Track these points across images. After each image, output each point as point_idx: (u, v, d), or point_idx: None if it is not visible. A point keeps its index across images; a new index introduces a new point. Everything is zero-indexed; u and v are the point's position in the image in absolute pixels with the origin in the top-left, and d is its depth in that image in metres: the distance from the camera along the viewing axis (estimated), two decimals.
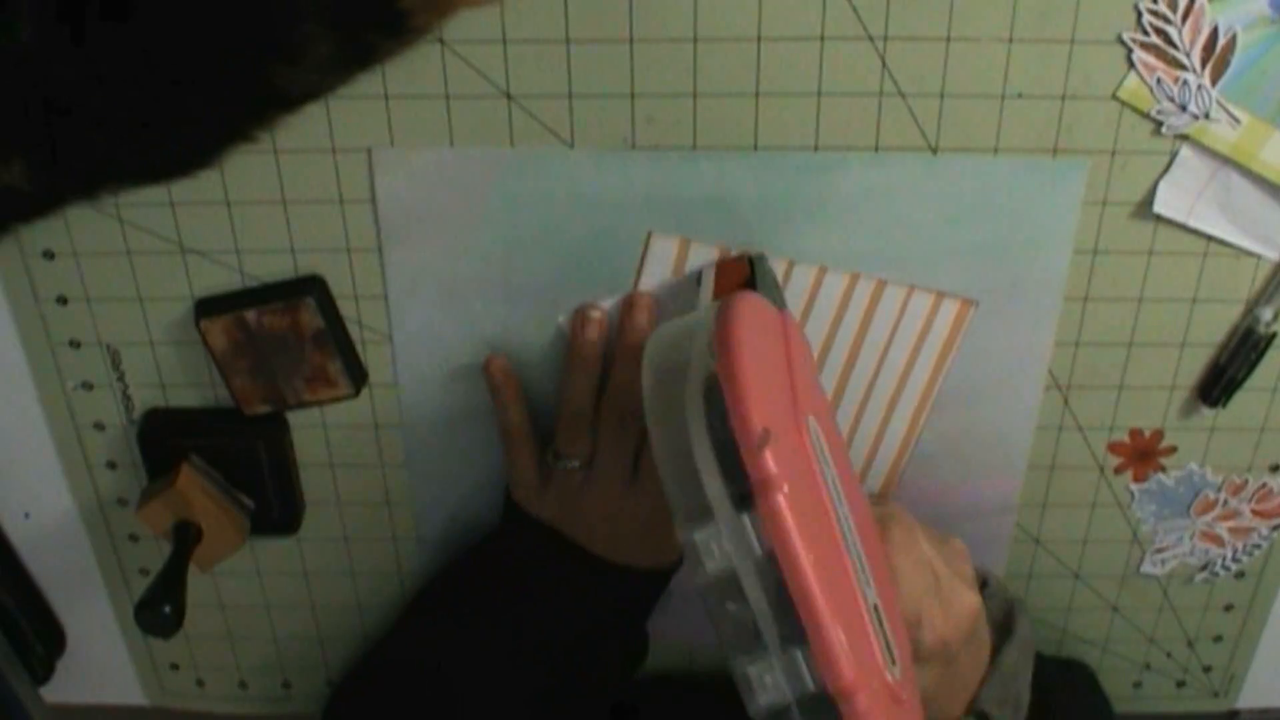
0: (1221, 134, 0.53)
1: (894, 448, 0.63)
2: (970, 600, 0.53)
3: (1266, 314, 0.58)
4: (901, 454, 0.64)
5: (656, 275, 0.58)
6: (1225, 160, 0.53)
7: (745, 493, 0.40)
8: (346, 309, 0.59)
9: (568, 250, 0.57)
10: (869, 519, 0.51)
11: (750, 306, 0.45)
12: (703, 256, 0.57)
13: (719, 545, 0.41)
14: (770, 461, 0.39)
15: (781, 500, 0.39)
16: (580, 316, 0.58)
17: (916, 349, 0.60)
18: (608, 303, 0.58)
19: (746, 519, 0.40)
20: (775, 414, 0.42)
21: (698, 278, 0.57)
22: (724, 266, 0.56)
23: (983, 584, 0.59)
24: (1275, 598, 0.69)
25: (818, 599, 0.39)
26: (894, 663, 0.44)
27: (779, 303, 0.55)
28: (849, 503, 0.47)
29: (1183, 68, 0.51)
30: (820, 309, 0.59)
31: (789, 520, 0.39)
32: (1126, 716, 0.73)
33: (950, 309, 0.58)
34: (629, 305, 0.58)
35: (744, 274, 0.55)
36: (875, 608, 0.44)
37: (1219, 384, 0.60)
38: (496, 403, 0.61)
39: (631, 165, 0.55)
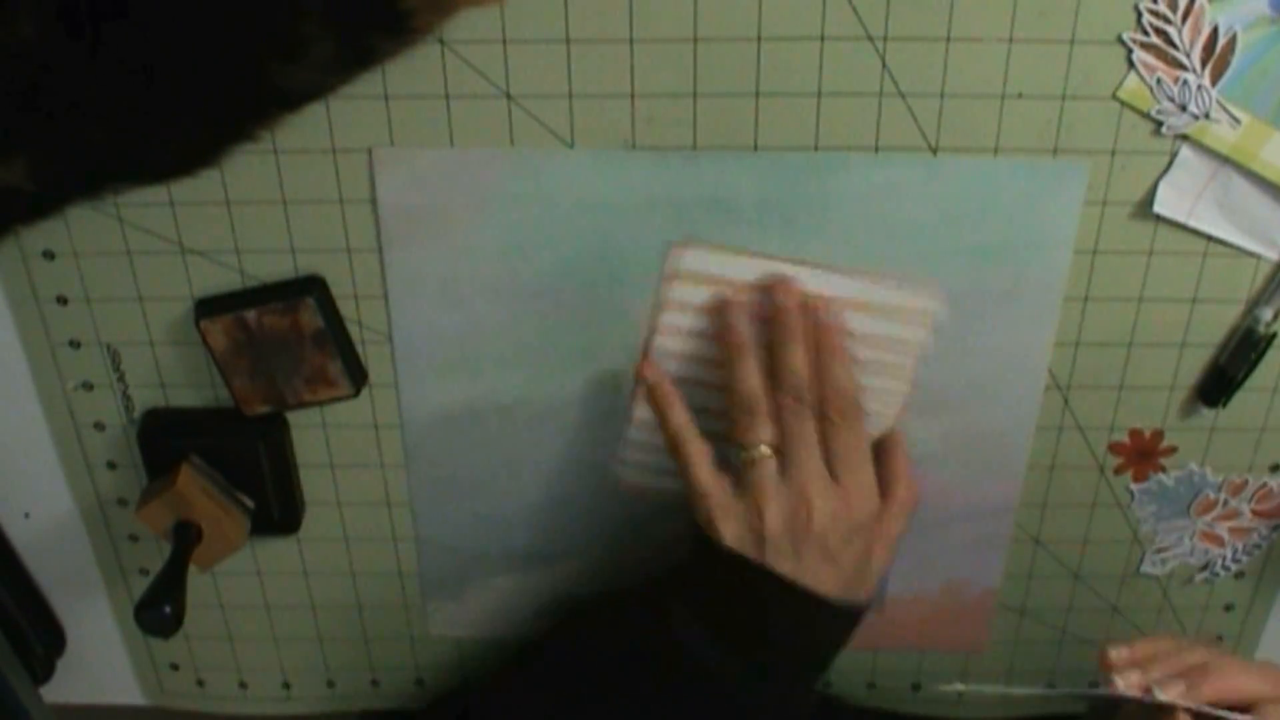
0: (1221, 134, 0.53)
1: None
2: None
3: (1266, 314, 0.58)
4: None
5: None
6: (1225, 160, 0.53)
7: None
8: (346, 309, 0.59)
9: (568, 250, 0.57)
10: None
11: None
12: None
13: None
14: None
15: None
16: (727, 304, 0.55)
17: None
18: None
19: None
20: None
21: None
22: None
23: None
24: (1275, 598, 0.69)
25: None
26: None
27: None
28: None
29: (1183, 68, 0.51)
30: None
31: None
32: None
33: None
34: (777, 284, 0.55)
35: None
36: None
37: (1219, 384, 0.60)
38: (659, 408, 0.57)
39: (631, 165, 0.55)
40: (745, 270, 0.57)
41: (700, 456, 0.56)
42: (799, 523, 0.53)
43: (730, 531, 0.54)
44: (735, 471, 0.55)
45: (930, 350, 0.59)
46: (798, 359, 0.54)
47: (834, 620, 0.56)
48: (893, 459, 0.58)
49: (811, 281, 0.57)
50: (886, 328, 0.58)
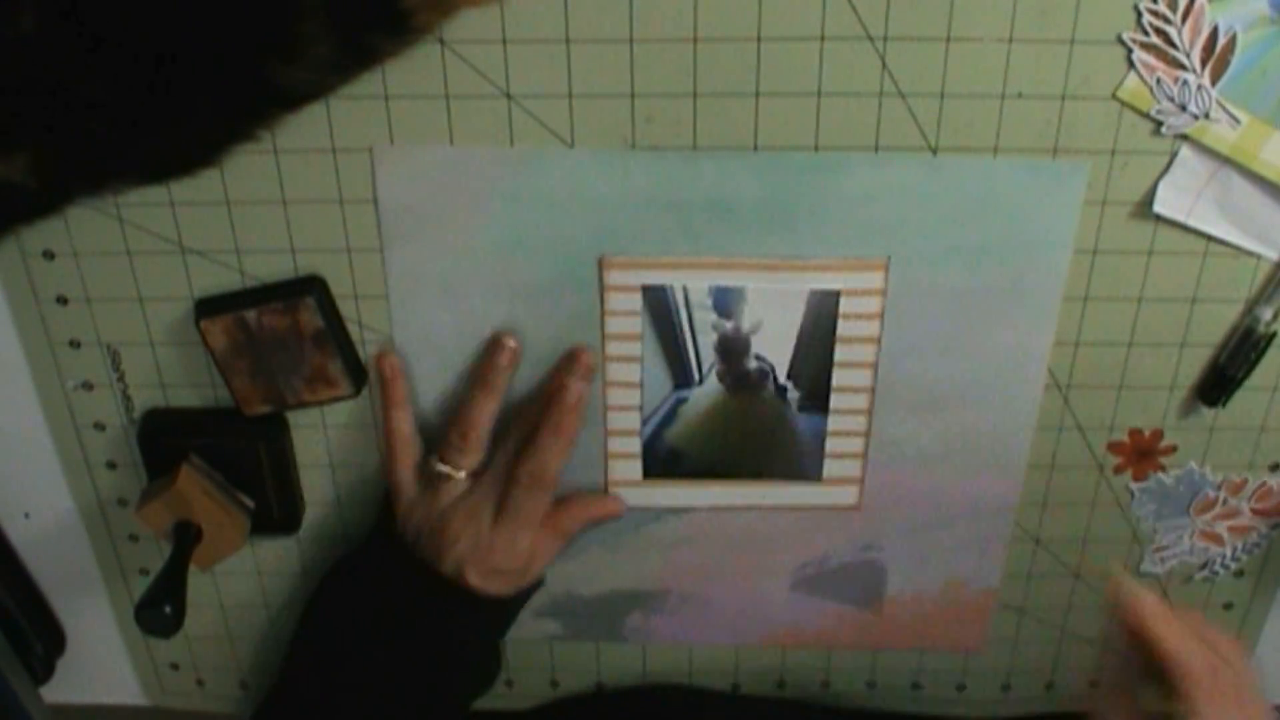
0: (1221, 134, 0.53)
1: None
2: None
3: (1266, 314, 0.58)
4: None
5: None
6: (1225, 160, 0.54)
7: None
8: (346, 309, 0.59)
9: (568, 250, 0.57)
10: None
11: None
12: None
13: None
14: None
15: None
16: (497, 342, 0.59)
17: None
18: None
19: None
20: None
21: None
22: None
23: None
24: (1274, 597, 0.69)
25: None
26: None
27: None
28: None
29: (1183, 68, 0.51)
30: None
31: None
32: None
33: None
34: (570, 358, 0.59)
35: None
36: None
37: (1219, 384, 0.60)
38: (383, 402, 0.61)
39: (631, 165, 0.55)
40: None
41: (406, 451, 0.62)
42: (446, 540, 0.60)
43: (403, 524, 0.62)
44: (427, 475, 0.61)
45: None
46: (527, 417, 0.60)
47: (473, 607, 0.62)
48: (590, 506, 0.64)
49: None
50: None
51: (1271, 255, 0.57)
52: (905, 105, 0.53)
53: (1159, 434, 0.63)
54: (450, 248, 0.58)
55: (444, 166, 0.55)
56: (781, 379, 0.61)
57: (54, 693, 0.74)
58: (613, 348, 0.60)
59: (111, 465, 0.65)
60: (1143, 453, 0.64)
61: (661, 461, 0.64)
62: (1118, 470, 0.64)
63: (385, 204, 0.56)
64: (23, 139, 0.48)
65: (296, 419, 0.63)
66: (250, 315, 0.58)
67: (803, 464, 0.64)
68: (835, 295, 0.58)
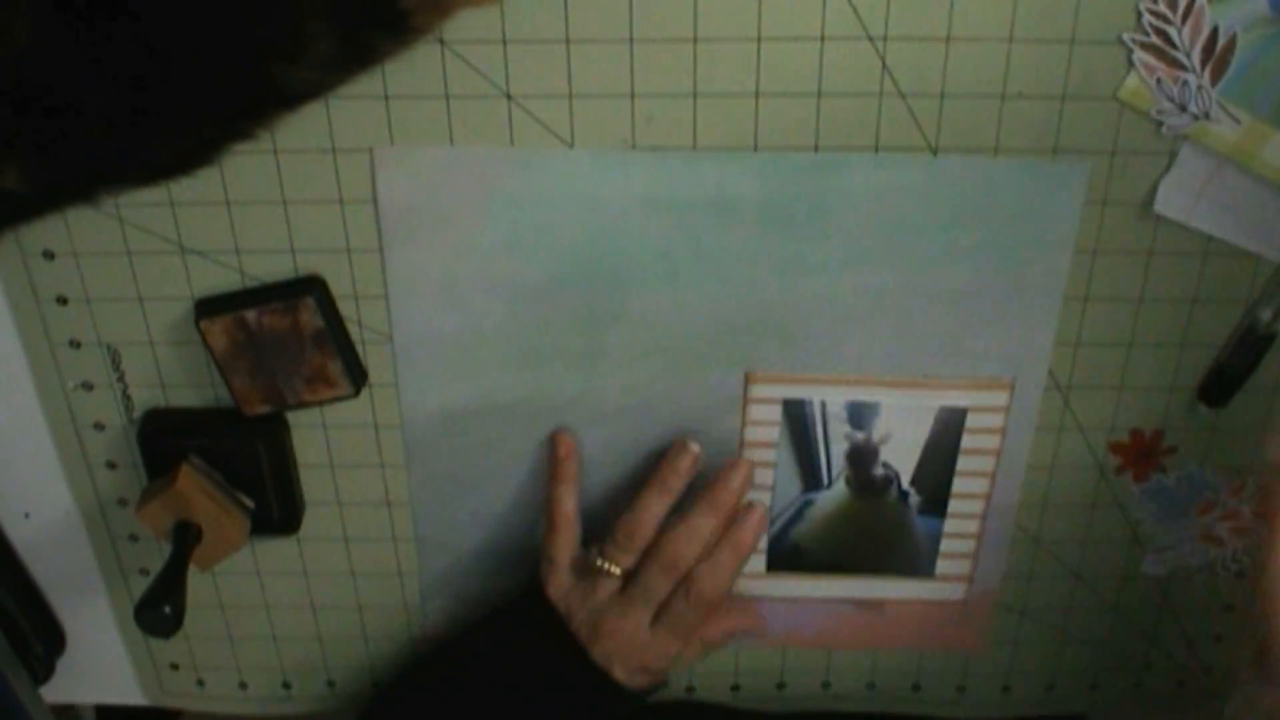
0: (1222, 134, 0.53)
1: None
2: None
3: (1266, 314, 0.58)
4: None
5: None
6: (1225, 160, 0.53)
7: None
8: (346, 309, 0.59)
9: (568, 250, 0.57)
10: None
11: None
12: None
13: None
14: None
15: None
16: (680, 445, 0.60)
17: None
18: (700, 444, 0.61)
19: None
20: None
21: None
22: None
23: None
24: None
25: None
26: None
27: None
28: None
29: (1183, 68, 0.51)
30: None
31: None
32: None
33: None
34: (731, 466, 0.60)
35: None
36: None
37: (1220, 384, 0.60)
38: (552, 480, 0.62)
39: (631, 165, 0.55)
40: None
41: (568, 531, 0.62)
42: (603, 633, 0.61)
43: (555, 599, 0.62)
44: (583, 562, 0.62)
45: None
46: (701, 523, 0.60)
47: (615, 697, 0.62)
48: (730, 618, 0.65)
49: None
50: None
51: (1272, 255, 0.56)
52: (905, 105, 0.53)
53: (1160, 434, 0.63)
54: (450, 248, 0.58)
55: (444, 166, 0.55)
56: (905, 485, 0.64)
57: (54, 693, 0.74)
58: (749, 455, 0.63)
59: (111, 465, 0.65)
60: (1143, 453, 0.63)
61: (785, 557, 0.67)
62: (1118, 471, 0.64)
63: (385, 204, 0.56)
64: (15, 149, 0.48)
65: (296, 419, 0.63)
66: (250, 315, 0.58)
67: (917, 562, 0.67)
68: (962, 412, 0.61)
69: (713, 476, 0.61)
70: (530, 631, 0.63)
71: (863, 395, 0.61)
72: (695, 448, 0.60)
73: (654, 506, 0.60)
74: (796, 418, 0.62)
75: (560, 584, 0.62)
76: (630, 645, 0.60)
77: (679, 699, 0.73)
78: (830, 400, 0.61)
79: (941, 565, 0.67)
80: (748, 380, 0.61)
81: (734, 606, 0.65)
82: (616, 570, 0.61)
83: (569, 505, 0.62)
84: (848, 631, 0.70)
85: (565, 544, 0.62)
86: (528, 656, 0.62)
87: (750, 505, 0.60)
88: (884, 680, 0.73)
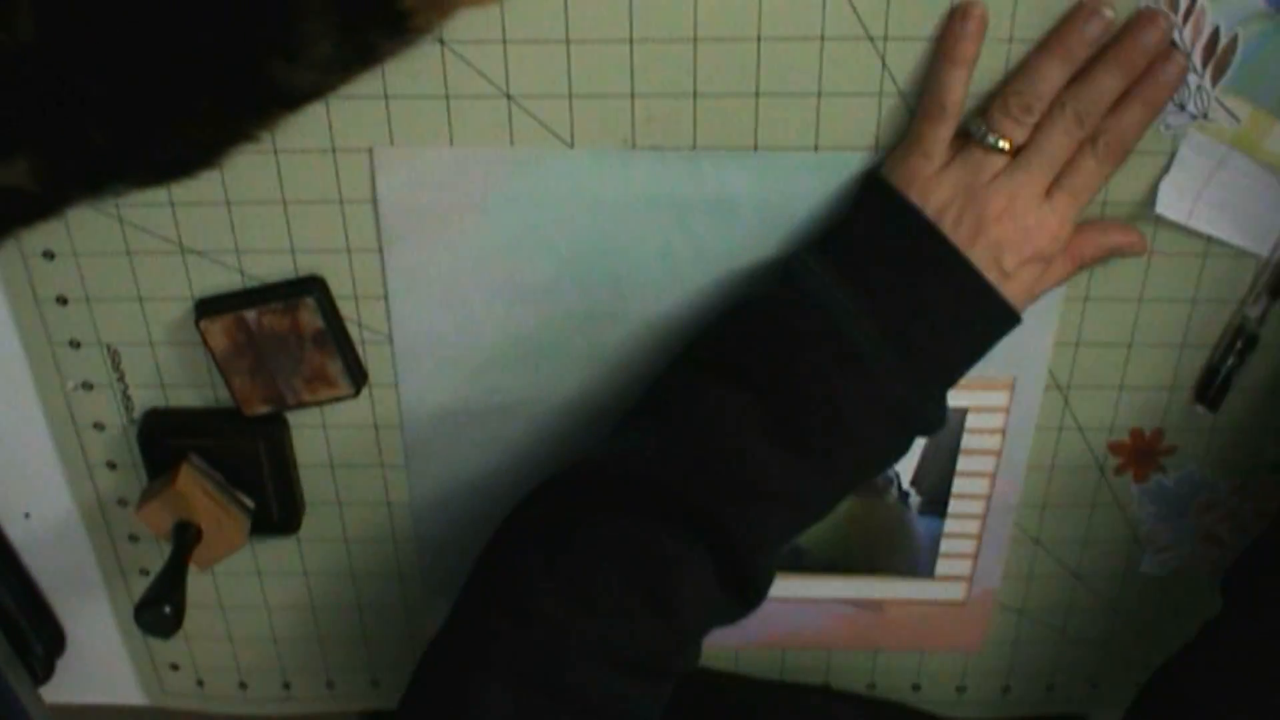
0: (1221, 130, 0.53)
1: None
2: None
3: (1254, 313, 0.58)
4: None
5: None
6: (1226, 159, 0.53)
7: None
8: (346, 309, 0.59)
9: (568, 250, 0.57)
10: None
11: None
12: None
13: None
14: None
15: None
16: (1091, 8, 0.50)
17: None
18: None
19: None
20: None
21: None
22: None
23: None
24: None
25: None
26: None
27: None
28: None
29: None
30: None
31: None
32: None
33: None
34: (1145, 19, 0.51)
35: None
36: None
37: (1213, 385, 0.60)
38: (947, 61, 0.52)
39: (631, 165, 0.55)
40: None
41: (951, 122, 0.53)
42: (988, 218, 0.52)
43: (919, 198, 0.53)
44: (966, 148, 0.53)
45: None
46: (1109, 83, 0.51)
47: (990, 313, 0.53)
48: (1109, 233, 0.56)
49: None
50: None
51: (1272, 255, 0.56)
52: (905, 105, 0.53)
53: (1159, 434, 0.63)
54: (450, 248, 0.58)
55: (444, 167, 0.55)
56: (905, 485, 0.64)
57: (54, 693, 0.74)
58: None
59: (111, 465, 0.65)
60: (1143, 453, 0.63)
61: (785, 556, 0.66)
62: (1118, 471, 0.64)
63: (385, 204, 0.56)
64: (23, 144, 0.48)
65: (296, 419, 0.63)
66: (250, 315, 0.58)
67: (917, 562, 0.67)
68: (962, 412, 0.61)
69: (1122, 30, 0.51)
70: (888, 239, 0.53)
71: None
72: (1109, 13, 0.50)
73: (1054, 76, 0.51)
74: None
75: (930, 181, 0.53)
76: (1021, 226, 0.52)
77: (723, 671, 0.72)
78: None
79: (941, 565, 0.67)
80: None
81: (1115, 223, 0.56)
82: (1006, 145, 0.52)
83: (959, 92, 0.52)
84: (848, 631, 0.70)
85: (943, 136, 0.53)
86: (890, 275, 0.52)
87: (1168, 54, 0.51)
88: (884, 680, 0.73)
